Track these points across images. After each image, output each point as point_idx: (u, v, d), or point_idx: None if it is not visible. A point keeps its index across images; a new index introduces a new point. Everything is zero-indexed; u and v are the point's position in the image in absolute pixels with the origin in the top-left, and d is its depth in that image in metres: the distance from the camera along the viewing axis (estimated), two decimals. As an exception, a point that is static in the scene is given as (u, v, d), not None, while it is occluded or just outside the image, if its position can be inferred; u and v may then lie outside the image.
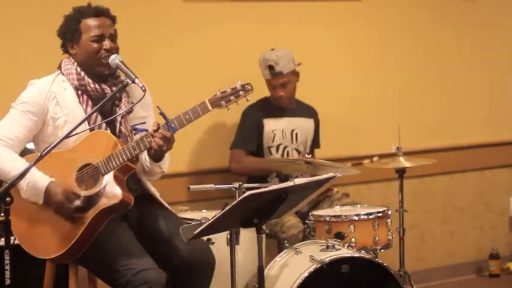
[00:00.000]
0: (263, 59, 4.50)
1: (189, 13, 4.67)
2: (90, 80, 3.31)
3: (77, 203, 3.15)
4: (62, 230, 3.18)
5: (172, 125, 3.15)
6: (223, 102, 3.18)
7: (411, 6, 5.35)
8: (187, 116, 3.16)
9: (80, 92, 3.32)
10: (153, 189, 3.49)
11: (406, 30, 5.34)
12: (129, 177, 3.26)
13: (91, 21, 3.31)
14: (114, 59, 3.27)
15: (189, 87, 4.59)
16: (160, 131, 3.15)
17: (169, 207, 3.50)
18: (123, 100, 3.35)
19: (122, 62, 3.26)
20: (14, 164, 3.17)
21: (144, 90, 3.17)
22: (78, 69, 3.33)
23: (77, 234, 3.16)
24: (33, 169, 3.01)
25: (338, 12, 5.12)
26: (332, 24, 5.11)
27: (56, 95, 3.30)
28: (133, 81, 3.19)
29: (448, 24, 5.48)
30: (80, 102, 3.31)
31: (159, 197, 3.49)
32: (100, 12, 3.35)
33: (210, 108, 3.17)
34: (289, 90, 4.55)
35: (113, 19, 3.39)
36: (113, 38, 3.34)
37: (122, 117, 3.33)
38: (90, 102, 3.31)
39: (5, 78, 4.15)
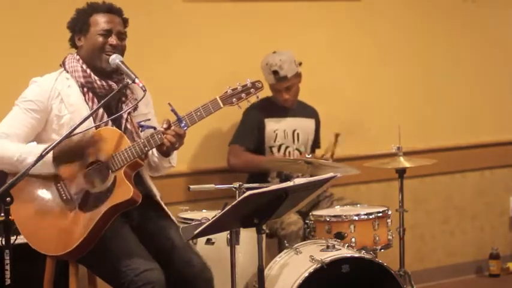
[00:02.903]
0: (266, 64, 4.49)
1: (189, 13, 4.67)
2: (96, 77, 3.32)
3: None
4: (70, 226, 3.17)
5: (184, 122, 3.16)
6: (234, 99, 3.19)
7: (411, 6, 5.35)
8: (198, 113, 3.16)
9: (85, 90, 3.33)
10: (155, 190, 3.49)
11: (406, 30, 5.34)
12: (137, 182, 3.26)
13: (101, 17, 3.34)
14: (114, 59, 3.28)
15: (188, 87, 4.59)
16: (172, 128, 3.16)
17: (169, 212, 3.47)
18: (128, 97, 3.36)
19: (122, 62, 3.28)
20: (16, 149, 3.18)
21: (145, 90, 3.18)
22: (84, 66, 3.33)
23: (86, 230, 3.14)
24: (35, 146, 3.09)
25: (338, 12, 5.12)
26: (332, 24, 5.11)
27: (60, 93, 3.30)
28: (134, 81, 3.21)
29: (448, 24, 5.48)
30: (85, 100, 3.31)
31: (161, 201, 3.47)
32: (111, 10, 3.38)
33: (222, 105, 3.18)
34: (293, 93, 4.56)
35: (124, 20, 3.41)
36: (121, 36, 3.36)
37: (128, 114, 3.35)
38: (96, 99, 3.31)
39: (6, 76, 4.15)
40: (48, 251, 3.25)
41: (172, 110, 3.17)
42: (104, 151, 3.19)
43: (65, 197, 3.21)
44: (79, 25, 3.36)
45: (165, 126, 3.16)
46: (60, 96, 3.29)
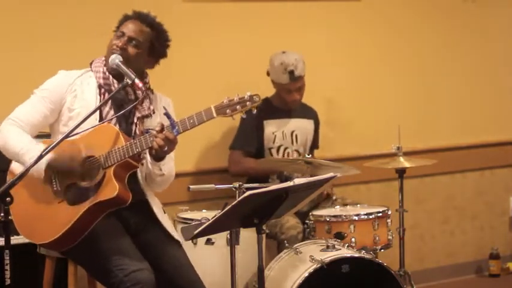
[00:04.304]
0: (281, 64, 4.44)
1: (189, 13, 4.67)
2: (115, 80, 3.35)
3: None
4: (57, 217, 3.19)
5: (176, 127, 3.16)
6: (228, 110, 3.17)
7: (411, 6, 5.35)
8: (191, 121, 3.16)
9: (102, 90, 3.37)
10: (155, 202, 3.47)
11: (406, 30, 5.34)
12: (132, 185, 3.26)
13: (130, 22, 3.40)
14: (113, 59, 3.30)
15: (188, 87, 4.59)
16: (164, 132, 3.16)
17: (165, 226, 3.44)
18: (143, 105, 3.38)
19: (122, 62, 3.29)
20: (23, 144, 3.20)
21: (144, 91, 3.21)
22: (104, 68, 3.38)
23: (69, 222, 3.15)
24: (38, 146, 3.11)
25: (338, 12, 5.12)
26: (332, 24, 5.11)
27: (77, 88, 3.35)
28: (133, 82, 3.22)
29: (448, 24, 5.48)
30: (100, 100, 3.34)
31: (159, 214, 3.44)
32: (138, 17, 3.41)
33: (215, 115, 3.16)
34: (302, 92, 4.56)
35: (159, 33, 3.43)
36: (133, 42, 3.36)
37: (138, 119, 3.37)
38: (109, 101, 3.33)
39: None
40: (33, 239, 3.28)
41: (166, 114, 3.18)
42: (99, 147, 3.21)
43: (55, 188, 3.23)
44: (117, 27, 3.43)
45: (157, 129, 3.17)
46: (76, 92, 3.34)
